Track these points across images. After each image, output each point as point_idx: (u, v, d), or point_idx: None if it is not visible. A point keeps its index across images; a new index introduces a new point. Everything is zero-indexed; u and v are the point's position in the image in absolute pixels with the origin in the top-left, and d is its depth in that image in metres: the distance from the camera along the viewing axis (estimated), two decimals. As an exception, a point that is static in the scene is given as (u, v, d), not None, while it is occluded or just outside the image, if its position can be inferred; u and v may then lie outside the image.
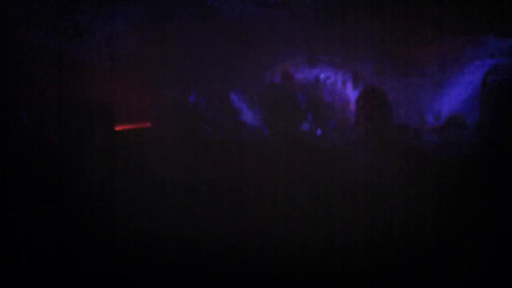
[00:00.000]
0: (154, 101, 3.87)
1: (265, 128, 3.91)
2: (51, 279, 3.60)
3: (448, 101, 3.83)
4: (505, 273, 3.61)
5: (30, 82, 3.74)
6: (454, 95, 3.83)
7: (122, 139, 3.82)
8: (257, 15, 3.77)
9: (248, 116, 3.91)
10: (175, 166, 3.77)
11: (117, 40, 3.78)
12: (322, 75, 3.92)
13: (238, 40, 3.79)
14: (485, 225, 3.67)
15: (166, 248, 3.71)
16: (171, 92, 3.84)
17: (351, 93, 3.92)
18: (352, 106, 3.90)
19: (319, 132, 3.89)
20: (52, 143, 3.72)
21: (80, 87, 3.75)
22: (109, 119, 3.80)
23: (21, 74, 3.74)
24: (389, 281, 3.66)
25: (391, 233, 3.71)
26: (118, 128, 3.82)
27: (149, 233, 3.71)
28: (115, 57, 3.77)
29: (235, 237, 3.71)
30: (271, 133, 3.88)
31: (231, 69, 3.83)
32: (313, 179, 3.79)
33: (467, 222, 3.69)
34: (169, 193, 3.76)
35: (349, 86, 3.89)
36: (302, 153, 3.82)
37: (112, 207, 3.68)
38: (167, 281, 3.70)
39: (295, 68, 3.93)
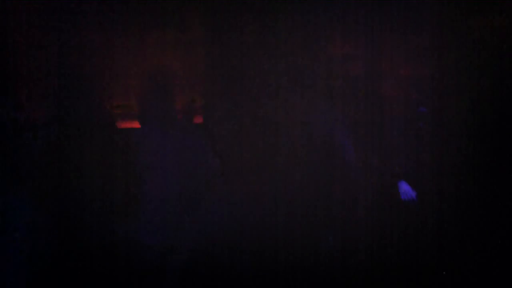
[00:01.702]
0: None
1: None
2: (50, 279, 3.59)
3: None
4: (505, 273, 3.62)
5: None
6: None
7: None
8: None
9: None
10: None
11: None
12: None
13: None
14: (486, 225, 3.68)
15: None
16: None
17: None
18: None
19: None
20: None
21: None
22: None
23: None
24: (389, 282, 3.67)
25: (391, 233, 3.72)
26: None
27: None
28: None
29: (235, 236, 3.70)
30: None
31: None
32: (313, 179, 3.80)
33: (467, 221, 3.70)
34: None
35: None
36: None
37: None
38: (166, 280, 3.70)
39: None
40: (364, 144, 3.81)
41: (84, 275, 3.59)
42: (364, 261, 3.72)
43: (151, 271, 3.67)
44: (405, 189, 3.79)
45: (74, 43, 3.71)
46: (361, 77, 3.83)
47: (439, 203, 3.76)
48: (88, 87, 3.73)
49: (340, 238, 3.76)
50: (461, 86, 3.76)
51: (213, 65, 3.81)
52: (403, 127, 3.83)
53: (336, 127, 3.82)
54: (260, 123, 3.79)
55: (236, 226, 3.71)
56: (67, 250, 3.59)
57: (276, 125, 3.79)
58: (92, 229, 3.62)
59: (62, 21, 3.70)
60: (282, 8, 3.76)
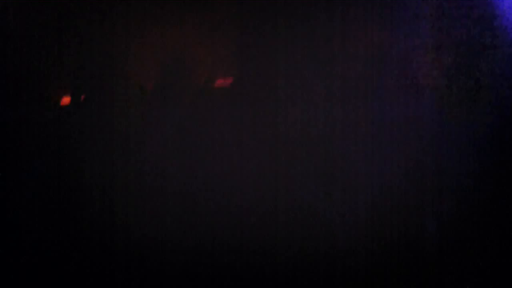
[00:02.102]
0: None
1: None
2: (50, 279, 3.59)
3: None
4: (505, 273, 3.62)
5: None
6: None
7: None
8: None
9: None
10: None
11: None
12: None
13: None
14: (486, 225, 3.68)
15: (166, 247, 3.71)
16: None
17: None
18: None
19: None
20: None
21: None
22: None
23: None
24: (389, 282, 3.67)
25: (391, 233, 3.72)
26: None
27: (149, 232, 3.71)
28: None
29: (236, 236, 3.71)
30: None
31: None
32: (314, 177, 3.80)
33: (467, 221, 3.70)
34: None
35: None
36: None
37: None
38: (166, 281, 3.70)
39: None
40: (364, 144, 3.81)
41: (84, 274, 3.60)
42: (364, 261, 3.72)
43: (151, 271, 3.68)
44: None
45: (74, 43, 3.72)
46: (361, 77, 3.84)
47: (439, 203, 3.76)
48: (87, 86, 3.74)
49: (340, 238, 3.76)
50: (461, 85, 3.76)
51: (213, 65, 3.82)
52: (403, 127, 3.83)
53: (336, 127, 3.82)
54: (260, 123, 3.79)
55: (236, 226, 3.71)
56: (67, 250, 3.59)
57: (276, 125, 3.80)
58: (92, 228, 3.63)
59: (62, 21, 3.71)
60: (282, 8, 3.76)
